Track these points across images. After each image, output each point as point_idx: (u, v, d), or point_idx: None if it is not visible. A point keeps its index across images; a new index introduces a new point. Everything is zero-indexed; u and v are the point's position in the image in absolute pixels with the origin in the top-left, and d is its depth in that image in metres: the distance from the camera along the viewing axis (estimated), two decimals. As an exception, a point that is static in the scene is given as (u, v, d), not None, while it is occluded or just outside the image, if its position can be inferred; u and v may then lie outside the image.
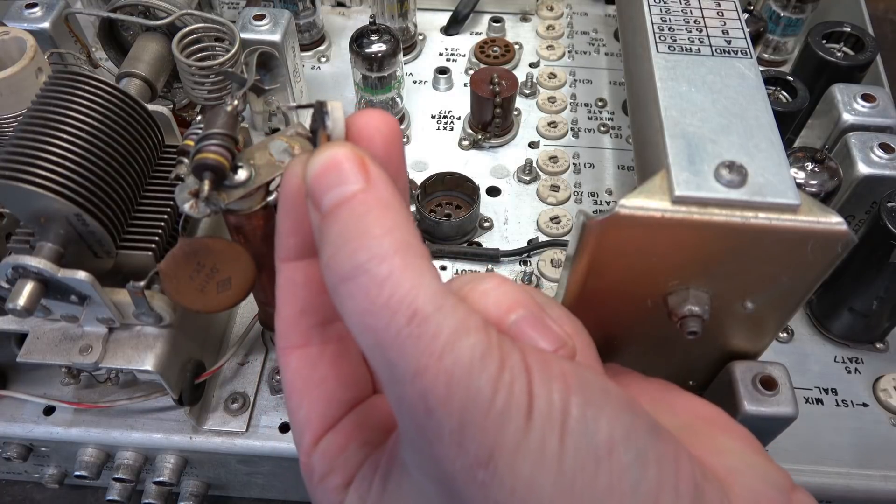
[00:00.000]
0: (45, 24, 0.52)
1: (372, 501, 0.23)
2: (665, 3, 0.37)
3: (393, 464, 0.22)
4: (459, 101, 0.66)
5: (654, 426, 0.20)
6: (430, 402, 0.18)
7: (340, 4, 0.76)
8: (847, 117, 0.48)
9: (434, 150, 0.63)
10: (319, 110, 0.22)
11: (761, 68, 0.35)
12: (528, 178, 0.60)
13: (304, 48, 0.70)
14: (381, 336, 0.19)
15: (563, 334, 0.22)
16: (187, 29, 0.49)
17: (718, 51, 0.34)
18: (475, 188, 0.56)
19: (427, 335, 0.18)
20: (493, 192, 0.59)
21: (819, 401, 0.47)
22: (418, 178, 0.57)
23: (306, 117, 0.24)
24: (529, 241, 0.55)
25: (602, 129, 0.64)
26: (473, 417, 0.18)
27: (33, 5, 0.52)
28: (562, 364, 0.19)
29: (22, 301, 0.35)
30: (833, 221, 0.26)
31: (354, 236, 0.19)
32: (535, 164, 0.60)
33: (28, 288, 0.35)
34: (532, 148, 0.63)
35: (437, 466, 0.19)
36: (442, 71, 0.68)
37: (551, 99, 0.66)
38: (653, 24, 0.36)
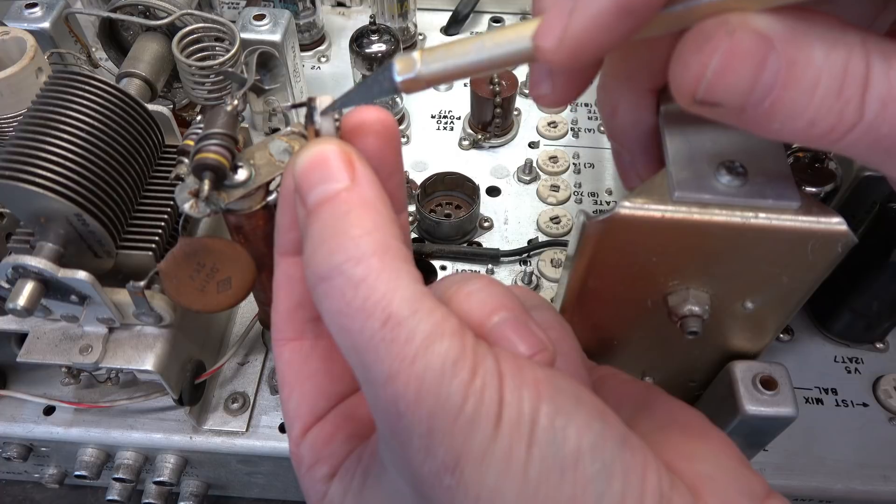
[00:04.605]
0: (45, 24, 0.52)
1: (353, 494, 0.23)
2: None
3: (374, 460, 0.23)
4: (459, 101, 0.66)
5: (625, 436, 0.20)
6: (401, 406, 0.18)
7: (340, 4, 0.76)
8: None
9: (434, 150, 0.63)
10: (310, 106, 0.23)
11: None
12: (528, 178, 0.60)
13: (304, 48, 0.70)
14: (356, 339, 0.19)
15: (544, 339, 0.22)
16: (187, 29, 0.49)
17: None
18: (475, 188, 0.56)
19: (400, 339, 0.18)
20: (493, 192, 0.59)
21: (819, 401, 0.47)
22: (418, 178, 0.57)
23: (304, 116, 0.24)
24: (529, 241, 0.55)
25: (602, 129, 0.64)
26: (442, 423, 0.18)
27: (33, 5, 0.52)
28: (535, 371, 0.19)
29: (22, 301, 0.35)
30: (833, 221, 0.26)
31: (333, 236, 0.19)
32: (535, 164, 0.60)
33: (28, 288, 0.35)
34: (532, 148, 0.63)
35: (408, 468, 0.19)
36: (442, 71, 0.68)
37: (551, 99, 0.66)
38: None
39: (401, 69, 0.21)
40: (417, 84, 0.21)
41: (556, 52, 0.20)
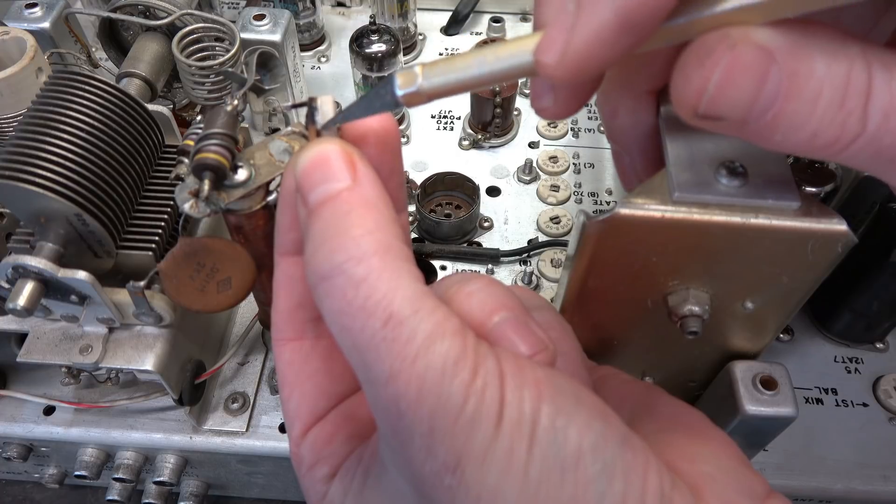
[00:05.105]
0: (45, 24, 0.52)
1: (353, 494, 0.23)
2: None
3: (374, 460, 0.23)
4: (459, 101, 0.66)
5: (626, 436, 0.20)
6: (402, 406, 0.18)
7: (340, 4, 0.76)
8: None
9: (434, 150, 0.63)
10: (310, 106, 0.23)
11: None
12: (528, 178, 0.60)
13: (304, 48, 0.70)
14: (357, 338, 0.19)
15: (545, 338, 0.22)
16: (187, 29, 0.50)
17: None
18: (475, 188, 0.56)
19: (401, 339, 0.18)
20: (493, 192, 0.59)
21: (819, 401, 0.47)
22: (418, 178, 0.57)
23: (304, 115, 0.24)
24: (529, 241, 0.55)
25: (602, 129, 0.64)
26: (443, 423, 0.18)
27: (33, 5, 0.52)
28: (536, 371, 0.19)
29: (22, 301, 0.35)
30: (833, 221, 0.26)
31: (334, 235, 0.19)
32: (535, 164, 0.60)
33: (28, 288, 0.35)
34: (532, 148, 0.63)
35: (409, 468, 0.19)
36: (442, 71, 0.68)
37: (551, 99, 0.66)
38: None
39: (402, 83, 0.21)
40: (419, 98, 0.21)
41: (557, 68, 0.20)
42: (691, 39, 0.20)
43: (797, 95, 0.19)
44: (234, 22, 0.52)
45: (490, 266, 0.54)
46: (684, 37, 0.20)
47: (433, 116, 0.65)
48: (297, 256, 0.24)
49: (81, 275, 0.35)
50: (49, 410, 0.47)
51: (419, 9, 0.71)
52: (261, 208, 0.32)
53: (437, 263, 0.54)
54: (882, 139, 0.19)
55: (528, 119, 0.65)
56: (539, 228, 0.56)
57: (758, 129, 0.20)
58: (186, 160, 0.29)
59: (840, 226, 0.26)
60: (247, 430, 0.46)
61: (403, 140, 0.63)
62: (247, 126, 0.42)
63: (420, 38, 0.72)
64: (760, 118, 0.19)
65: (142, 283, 0.36)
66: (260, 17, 0.55)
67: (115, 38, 0.57)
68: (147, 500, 0.49)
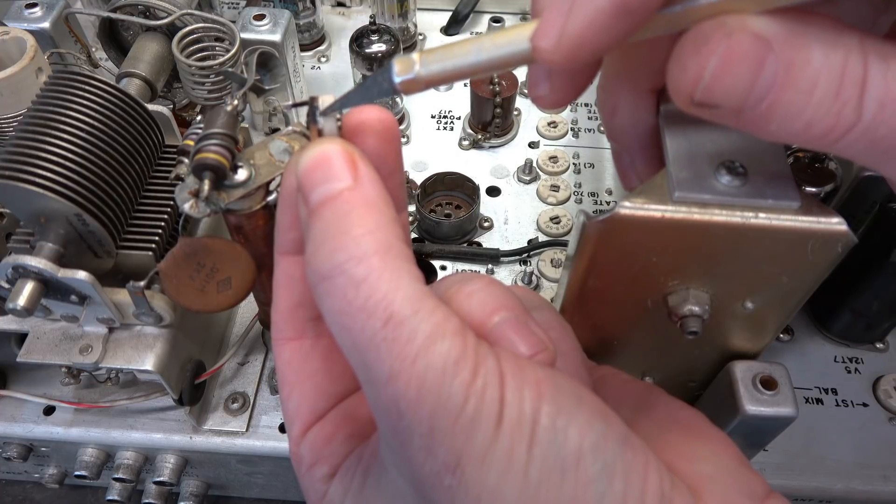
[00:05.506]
0: (45, 24, 0.52)
1: (353, 494, 0.23)
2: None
3: (374, 459, 0.23)
4: (459, 101, 0.66)
5: (626, 436, 0.20)
6: (402, 406, 0.18)
7: (340, 4, 0.76)
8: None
9: (434, 150, 0.63)
10: (312, 105, 0.23)
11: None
12: (528, 178, 0.60)
13: (304, 48, 0.70)
14: (357, 338, 0.19)
15: (545, 339, 0.22)
16: (187, 29, 0.49)
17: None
18: (475, 188, 0.56)
19: (402, 339, 0.18)
20: (493, 192, 0.59)
21: (819, 401, 0.47)
22: (418, 178, 0.57)
23: (304, 115, 0.24)
24: (529, 241, 0.55)
25: (602, 129, 0.64)
26: (443, 423, 0.18)
27: (33, 5, 0.52)
28: (536, 371, 0.19)
29: (22, 301, 0.35)
30: (833, 221, 0.26)
31: (335, 235, 0.19)
32: (535, 164, 0.60)
33: (28, 288, 0.35)
34: (532, 148, 0.63)
35: (409, 467, 0.19)
36: (442, 71, 0.68)
37: (551, 99, 0.66)
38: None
39: (400, 70, 0.21)
40: (416, 85, 0.21)
41: (553, 53, 0.20)
42: (688, 28, 0.20)
43: (793, 85, 0.19)
44: (234, 22, 0.52)
45: (490, 266, 0.54)
46: (681, 25, 0.20)
47: (433, 116, 0.65)
48: (297, 256, 0.24)
49: (81, 275, 0.35)
50: (49, 410, 0.47)
51: (419, 9, 0.72)
52: (261, 208, 0.32)
53: (437, 263, 0.54)
54: (877, 129, 0.19)
55: (528, 119, 0.65)
56: (539, 228, 0.56)
57: (753, 118, 0.20)
58: (186, 160, 0.29)
59: (840, 226, 0.26)
60: (247, 430, 0.46)
61: (403, 140, 0.63)
62: (247, 126, 0.42)
63: (420, 38, 0.72)
64: (756, 107, 0.19)
65: (142, 283, 0.36)
66: (260, 17, 0.55)
67: (115, 38, 0.57)
68: (147, 500, 0.49)
